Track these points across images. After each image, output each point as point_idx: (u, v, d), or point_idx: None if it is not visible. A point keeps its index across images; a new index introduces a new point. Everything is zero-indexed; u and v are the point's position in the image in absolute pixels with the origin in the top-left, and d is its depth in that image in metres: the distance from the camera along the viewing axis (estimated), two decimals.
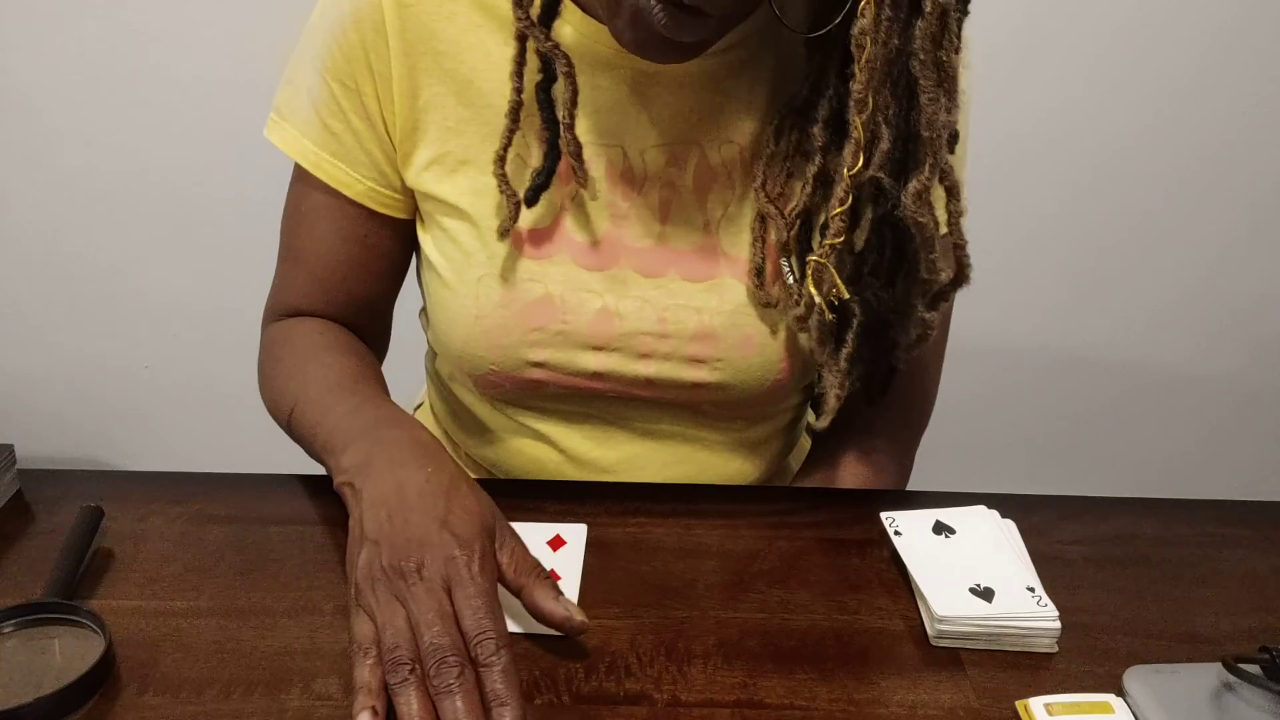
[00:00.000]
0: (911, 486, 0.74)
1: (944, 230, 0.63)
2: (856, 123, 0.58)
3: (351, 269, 0.75)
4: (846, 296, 0.64)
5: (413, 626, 0.52)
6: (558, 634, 0.58)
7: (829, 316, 0.66)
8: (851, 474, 0.79)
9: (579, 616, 0.56)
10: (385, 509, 0.57)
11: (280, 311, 0.79)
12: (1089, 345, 1.50)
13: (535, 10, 0.64)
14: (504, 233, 0.68)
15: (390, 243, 0.75)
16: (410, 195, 0.73)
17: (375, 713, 0.51)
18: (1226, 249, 1.43)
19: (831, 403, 0.68)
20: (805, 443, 0.90)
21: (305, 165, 0.72)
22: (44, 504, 0.70)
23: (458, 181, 0.70)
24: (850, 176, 0.60)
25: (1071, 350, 1.51)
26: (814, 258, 0.64)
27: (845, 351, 0.67)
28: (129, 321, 1.48)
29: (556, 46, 0.64)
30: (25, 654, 0.56)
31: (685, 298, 0.70)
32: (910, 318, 0.67)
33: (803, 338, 0.69)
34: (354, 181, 0.72)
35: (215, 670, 0.56)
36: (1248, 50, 1.30)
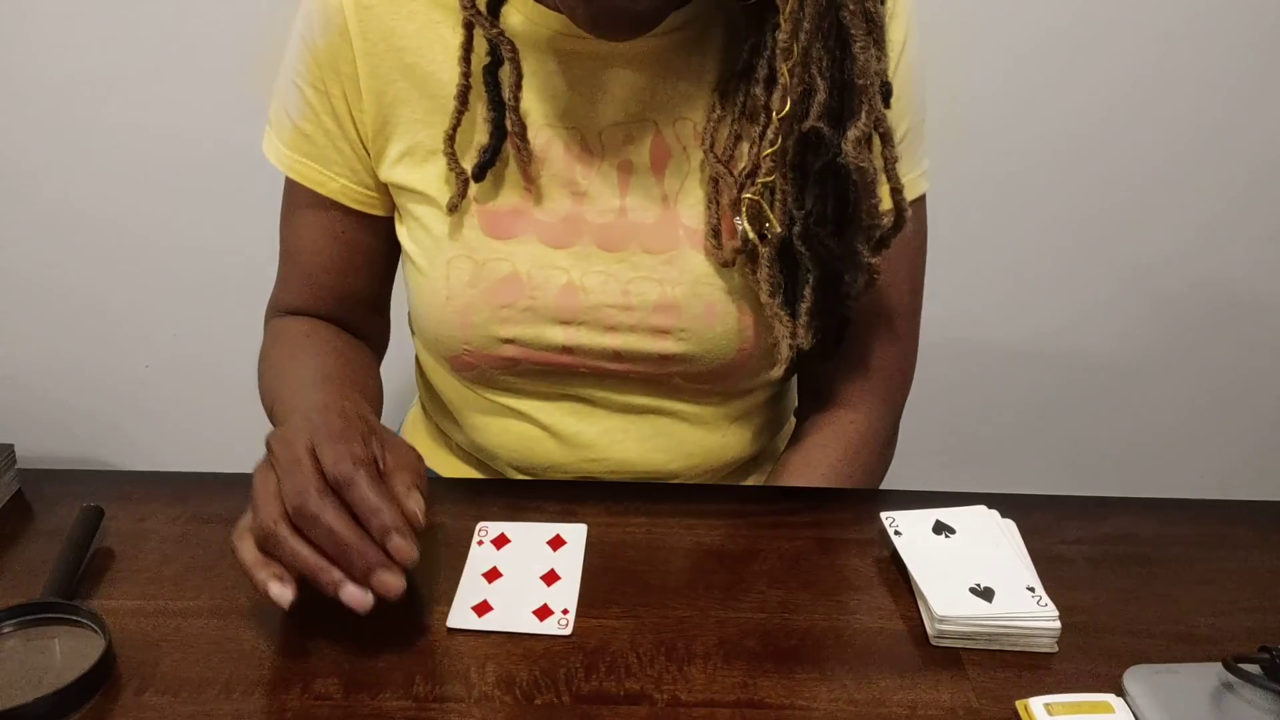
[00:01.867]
0: (911, 486, 0.74)
1: (883, 179, 0.66)
2: (783, 69, 0.62)
3: (335, 265, 0.79)
4: (779, 230, 0.67)
5: (280, 490, 0.54)
6: (556, 634, 0.59)
7: (762, 249, 0.68)
8: (834, 444, 0.80)
9: (417, 510, 0.56)
10: (272, 434, 0.59)
11: (279, 309, 0.83)
12: (1090, 345, 1.50)
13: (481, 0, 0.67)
14: (452, 208, 0.71)
15: (370, 239, 0.78)
16: (386, 192, 0.76)
17: (279, 578, 0.53)
18: (1233, 245, 1.43)
19: (785, 350, 0.71)
20: (793, 424, 0.91)
21: (284, 170, 0.76)
22: (44, 504, 0.70)
23: (428, 170, 0.72)
24: (779, 119, 0.63)
25: (1072, 350, 1.51)
26: (747, 195, 0.67)
27: (804, 305, 0.70)
28: (129, 322, 1.48)
29: (501, 33, 0.67)
30: (25, 654, 0.56)
31: (647, 270, 0.72)
32: (858, 265, 0.69)
33: (762, 295, 0.70)
34: (328, 180, 0.75)
35: (215, 670, 0.56)
36: (1208, 42, 1.30)
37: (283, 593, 0.54)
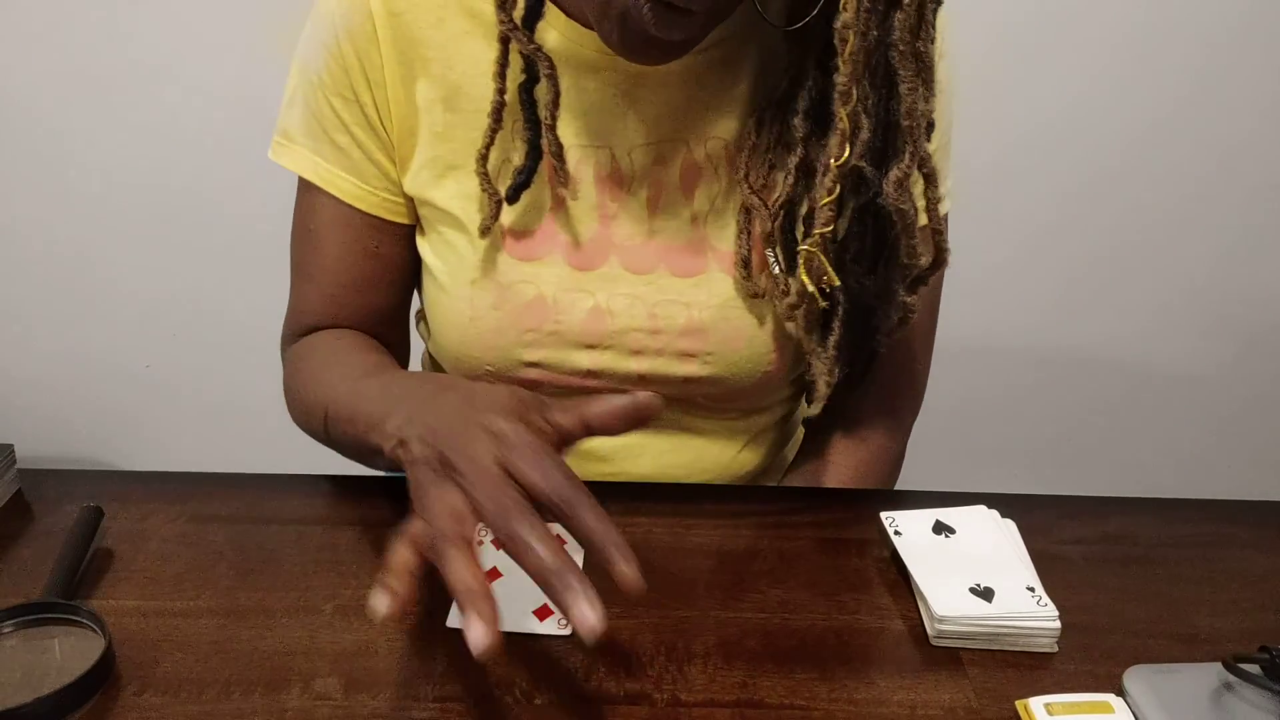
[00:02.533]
0: (911, 486, 0.74)
1: (923, 218, 0.65)
2: (841, 114, 0.59)
3: (365, 282, 0.76)
4: (837, 284, 0.65)
5: (470, 505, 0.48)
6: (555, 634, 0.59)
7: (821, 304, 0.66)
8: (844, 463, 0.80)
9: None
10: (429, 435, 0.53)
11: (298, 332, 0.78)
12: (1090, 345, 1.50)
13: (518, 13, 0.65)
14: (484, 230, 0.69)
15: (401, 251, 0.76)
16: (410, 200, 0.74)
17: (391, 591, 0.46)
18: (1226, 246, 1.43)
19: (822, 389, 0.70)
20: (801, 434, 0.90)
21: (317, 182, 0.73)
22: (44, 504, 0.70)
23: (446, 186, 0.71)
24: (836, 167, 0.61)
25: (1072, 350, 1.51)
26: (805, 247, 0.65)
27: (832, 339, 0.68)
28: (129, 322, 1.48)
29: (539, 48, 0.65)
30: (25, 654, 0.56)
31: (674, 293, 0.71)
32: (892, 302, 0.68)
33: (790, 326, 0.70)
34: (367, 194, 0.73)
35: (215, 670, 0.56)
36: (1246, 52, 1.30)
37: (386, 607, 0.46)
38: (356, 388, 0.67)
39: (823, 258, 0.64)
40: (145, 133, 1.36)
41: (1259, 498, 0.73)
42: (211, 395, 1.53)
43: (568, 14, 0.67)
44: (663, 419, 0.76)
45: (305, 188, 0.75)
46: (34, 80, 1.33)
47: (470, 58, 0.68)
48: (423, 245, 0.74)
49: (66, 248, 1.43)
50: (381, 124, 0.71)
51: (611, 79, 0.68)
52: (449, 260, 0.72)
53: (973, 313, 1.46)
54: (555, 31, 0.67)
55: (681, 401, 0.76)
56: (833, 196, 0.62)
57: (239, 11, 1.28)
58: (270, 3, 1.27)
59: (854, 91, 0.59)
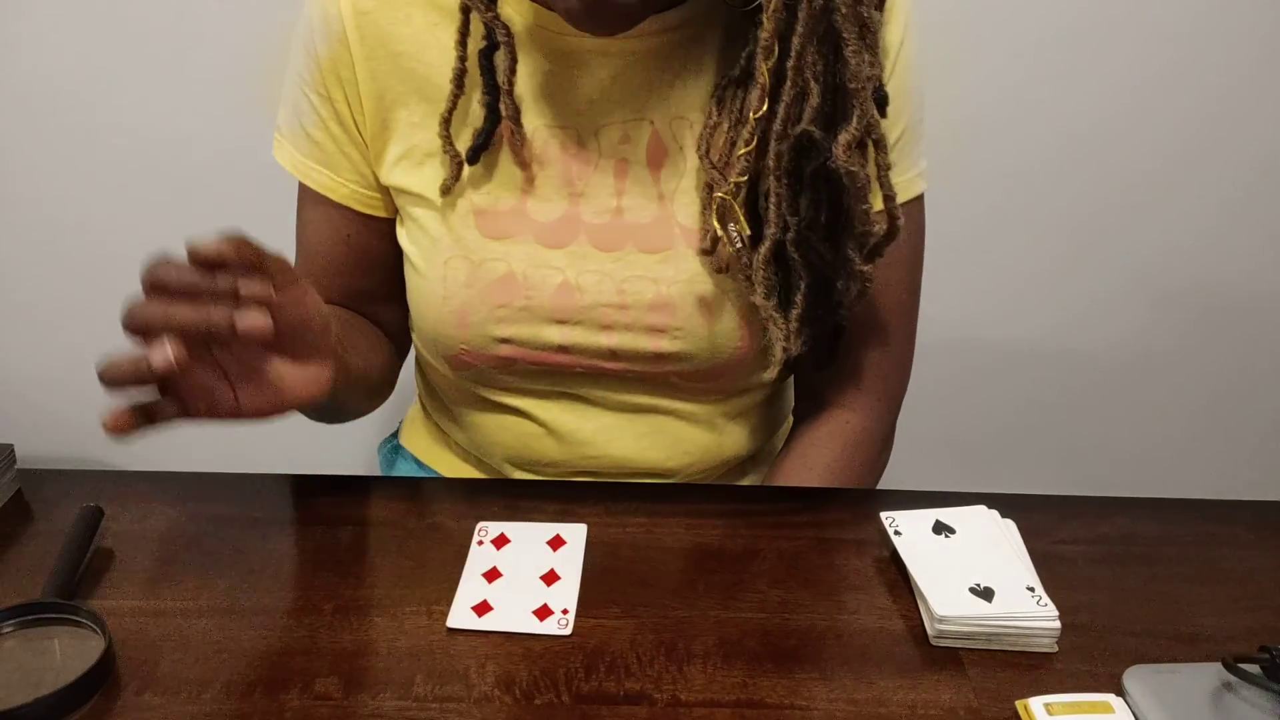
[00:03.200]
0: (911, 486, 0.74)
1: (875, 186, 0.66)
2: (762, 68, 0.62)
3: (345, 266, 0.79)
4: (748, 233, 0.67)
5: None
6: (556, 634, 0.59)
7: (731, 249, 0.68)
8: (829, 446, 0.80)
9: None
10: None
11: None
12: (1090, 345, 1.50)
13: None
14: (445, 189, 0.71)
15: (378, 242, 0.79)
16: (388, 193, 0.76)
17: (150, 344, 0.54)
18: (1229, 248, 1.43)
19: (778, 354, 0.71)
20: (790, 425, 0.91)
21: (296, 175, 0.77)
22: (44, 504, 0.70)
23: (424, 173, 0.73)
24: (755, 118, 0.64)
25: (1073, 350, 1.51)
26: (719, 193, 0.67)
27: (795, 311, 0.70)
28: None
29: (496, 17, 0.67)
30: (25, 654, 0.56)
31: (642, 269, 0.72)
32: (850, 272, 0.69)
33: (753, 298, 0.70)
34: (338, 185, 0.76)
35: (215, 670, 0.56)
36: (1210, 41, 1.30)
37: (163, 351, 0.55)
38: None
39: (735, 206, 0.67)
40: (144, 133, 1.35)
41: (1259, 498, 0.73)
42: None
43: None
44: (640, 402, 0.78)
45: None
46: (32, 80, 1.33)
47: (439, 47, 0.70)
48: (401, 235, 0.77)
49: (66, 247, 1.43)
50: (354, 121, 0.73)
51: (574, 60, 0.69)
52: (422, 243, 0.74)
53: (974, 312, 1.46)
54: (514, 12, 0.69)
55: (658, 383, 0.77)
56: (749, 148, 0.65)
57: (239, 12, 1.28)
58: (269, 5, 1.27)
59: (775, 46, 0.61)
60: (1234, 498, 0.73)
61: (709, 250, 0.71)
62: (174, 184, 1.39)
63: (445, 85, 0.70)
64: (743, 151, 0.66)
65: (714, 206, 0.68)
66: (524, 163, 0.71)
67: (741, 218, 0.67)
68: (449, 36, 0.69)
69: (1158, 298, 1.47)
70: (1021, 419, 1.56)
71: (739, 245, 0.68)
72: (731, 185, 0.67)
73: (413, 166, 0.73)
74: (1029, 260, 1.44)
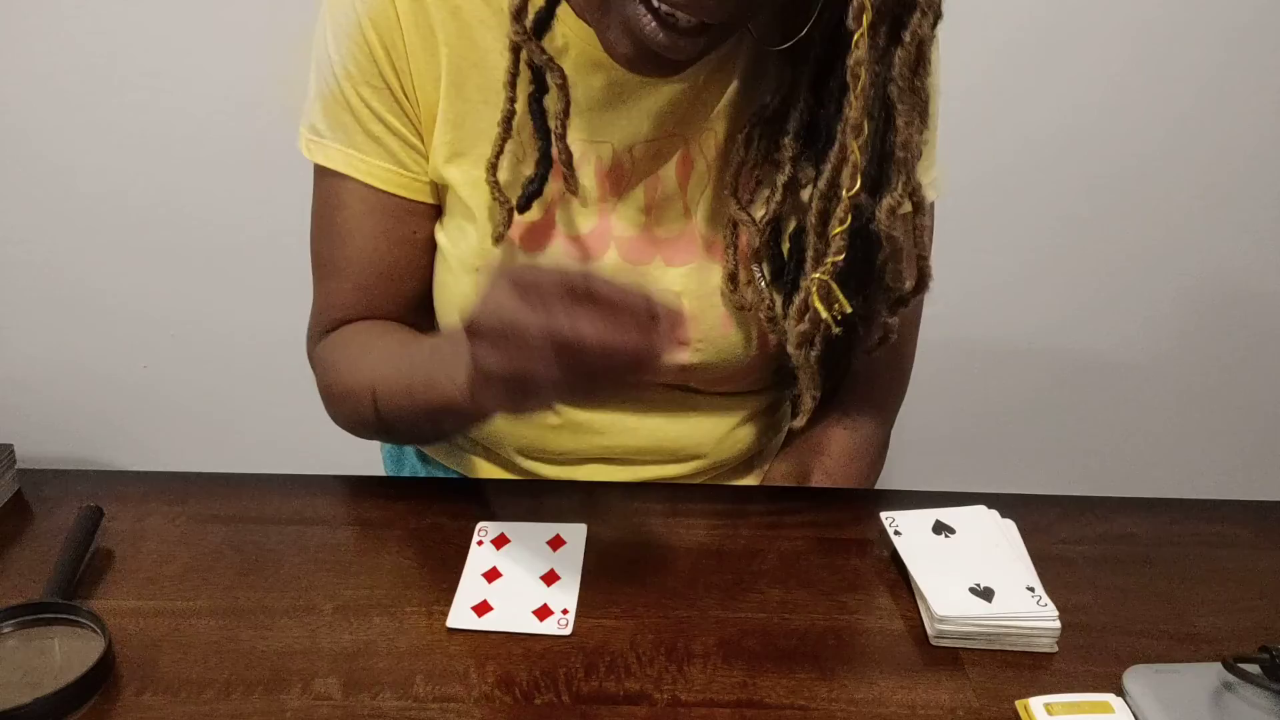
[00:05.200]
0: (911, 486, 0.74)
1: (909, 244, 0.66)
2: (853, 146, 0.60)
3: (400, 270, 0.75)
4: (849, 310, 0.66)
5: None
6: (556, 634, 0.59)
7: (836, 331, 0.67)
8: (833, 451, 0.80)
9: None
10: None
11: (327, 328, 0.77)
12: (1092, 345, 1.50)
13: (529, 20, 0.65)
14: (497, 239, 0.70)
15: (432, 232, 0.76)
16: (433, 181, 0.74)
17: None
18: (1230, 247, 1.43)
19: (808, 403, 0.71)
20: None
21: (356, 175, 0.72)
22: (44, 504, 0.70)
23: (452, 172, 0.71)
24: (849, 198, 0.61)
25: (1073, 350, 1.51)
26: (818, 275, 0.65)
27: (814, 353, 0.69)
28: (128, 322, 1.48)
29: (551, 60, 0.65)
30: (25, 654, 0.56)
31: (667, 282, 0.72)
32: (874, 323, 0.70)
33: (772, 338, 0.71)
34: (409, 180, 0.73)
35: (215, 670, 0.56)
36: (1203, 36, 1.30)
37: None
38: (403, 360, 0.68)
39: (835, 286, 0.65)
40: (145, 132, 1.35)
41: (1259, 498, 0.73)
42: (211, 395, 1.53)
43: (574, 10, 0.67)
44: (660, 397, 0.77)
45: (329, 183, 0.74)
46: (31, 80, 1.33)
47: (480, 48, 0.68)
48: (439, 231, 0.75)
49: (66, 248, 1.43)
50: (413, 106, 0.71)
51: (615, 76, 0.68)
52: (460, 245, 0.73)
53: (974, 312, 1.46)
54: (566, 30, 0.67)
55: (678, 385, 0.77)
56: (844, 226, 0.63)
57: (240, 14, 1.28)
58: (270, 6, 1.27)
59: (865, 126, 0.59)
60: (1234, 498, 0.73)
61: (732, 290, 0.71)
62: (173, 183, 1.39)
63: (480, 86, 0.68)
64: (838, 231, 0.62)
65: (814, 288, 0.65)
66: (572, 191, 0.70)
67: (843, 298, 0.65)
68: (490, 38, 0.67)
69: (1159, 297, 1.47)
70: (1022, 419, 1.56)
71: (823, 324, 0.67)
72: (829, 265, 0.64)
73: (443, 161, 0.71)
74: (1030, 259, 1.44)
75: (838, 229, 0.63)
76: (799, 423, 0.72)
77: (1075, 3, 1.28)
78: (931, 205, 0.77)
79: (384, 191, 0.72)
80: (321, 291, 0.78)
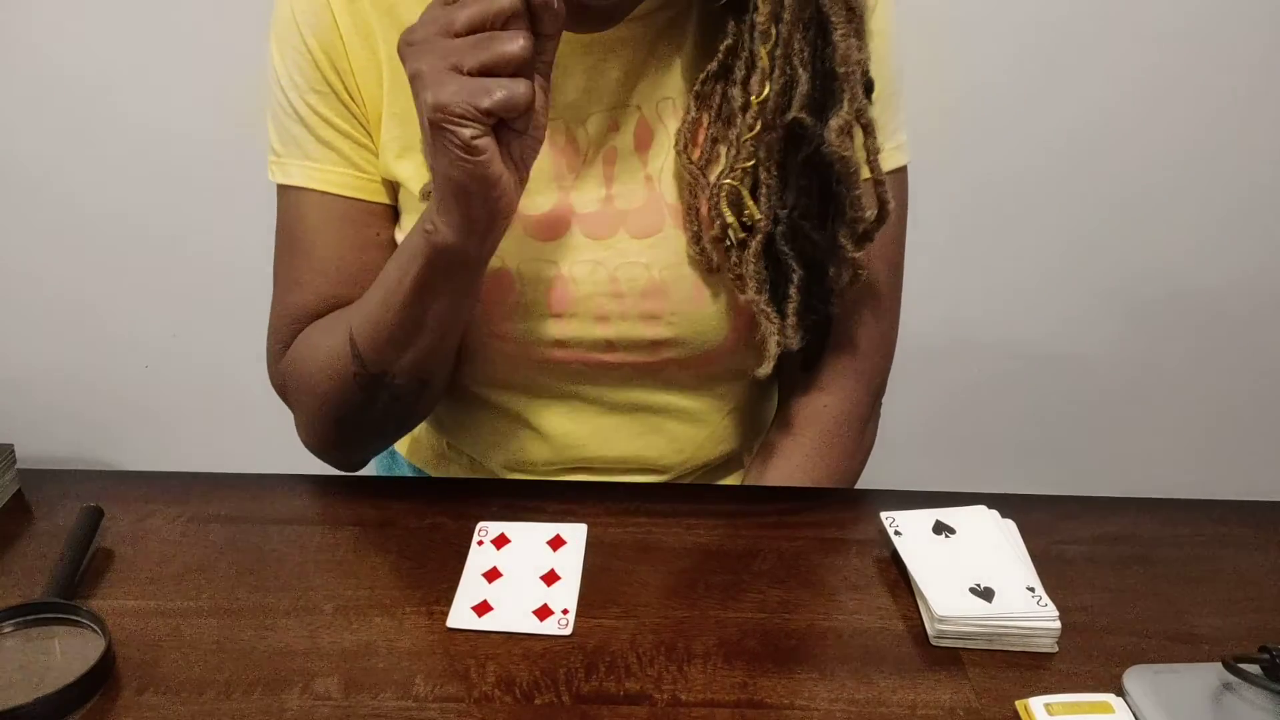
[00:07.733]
0: (911, 486, 0.74)
1: (865, 170, 0.67)
2: (762, 53, 0.62)
3: (363, 276, 0.73)
4: (758, 217, 0.67)
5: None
6: (556, 634, 0.59)
7: (739, 235, 0.68)
8: (809, 433, 0.79)
9: None
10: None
11: (286, 342, 0.76)
12: (1092, 345, 1.50)
13: None
14: (425, 195, 0.69)
15: (393, 234, 0.75)
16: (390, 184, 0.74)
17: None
18: (1230, 248, 1.43)
19: (772, 349, 0.71)
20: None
21: (312, 185, 0.72)
22: (44, 504, 0.70)
23: (404, 166, 0.71)
24: (758, 103, 0.63)
25: (1074, 350, 1.51)
26: (726, 180, 0.67)
27: (791, 306, 0.70)
28: (128, 322, 1.48)
29: None
30: (25, 654, 0.56)
31: (634, 255, 0.71)
32: (842, 259, 0.70)
33: (742, 299, 0.70)
34: (365, 182, 0.73)
35: (215, 670, 0.56)
36: (1207, 45, 1.30)
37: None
38: (370, 291, 0.68)
39: (745, 192, 0.67)
40: (144, 133, 1.36)
41: (1259, 498, 0.73)
42: (211, 395, 1.53)
43: None
44: (635, 400, 0.77)
45: (288, 198, 0.73)
46: (31, 80, 1.33)
47: None
48: (397, 230, 0.75)
49: (66, 248, 1.43)
50: (359, 106, 0.71)
51: (562, 53, 0.68)
52: None
53: (975, 314, 1.46)
54: None
55: (653, 376, 0.76)
56: (753, 133, 0.65)
57: (240, 13, 1.28)
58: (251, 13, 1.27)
59: (772, 30, 0.61)
60: (1234, 498, 0.73)
61: (698, 251, 0.70)
62: (172, 184, 1.39)
63: None
64: (747, 137, 0.65)
65: (724, 195, 0.67)
66: None
67: (753, 205, 0.67)
68: None
69: (1159, 298, 1.47)
70: (1022, 419, 1.56)
71: (729, 229, 0.68)
72: (739, 170, 0.66)
73: (394, 158, 0.71)
74: (1030, 261, 1.44)
75: (747, 135, 0.65)
76: (763, 370, 0.72)
77: (1077, 12, 1.28)
78: (903, 171, 0.76)
79: (342, 197, 0.72)
80: (281, 305, 0.76)
